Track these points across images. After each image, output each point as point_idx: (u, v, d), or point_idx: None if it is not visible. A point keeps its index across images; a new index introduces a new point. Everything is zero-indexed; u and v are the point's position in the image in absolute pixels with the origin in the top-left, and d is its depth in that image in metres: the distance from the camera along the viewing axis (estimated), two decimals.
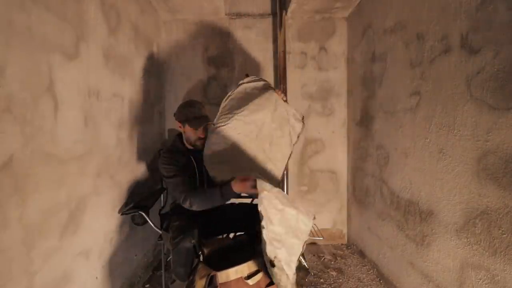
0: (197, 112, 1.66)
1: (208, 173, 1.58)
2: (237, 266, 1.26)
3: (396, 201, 1.86)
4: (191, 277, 1.32)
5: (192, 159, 1.67)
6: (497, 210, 1.10)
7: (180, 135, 1.77)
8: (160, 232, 1.73)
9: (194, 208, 1.50)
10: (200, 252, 1.44)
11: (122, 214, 1.75)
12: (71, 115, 1.33)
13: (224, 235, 1.77)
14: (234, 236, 1.74)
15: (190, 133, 1.66)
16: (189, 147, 1.72)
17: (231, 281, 1.24)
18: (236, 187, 1.44)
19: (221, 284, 1.24)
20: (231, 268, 1.25)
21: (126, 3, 1.92)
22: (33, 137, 1.09)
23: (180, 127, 1.70)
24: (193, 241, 1.39)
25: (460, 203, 1.30)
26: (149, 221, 1.74)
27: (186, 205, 1.50)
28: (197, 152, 1.65)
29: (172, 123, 2.76)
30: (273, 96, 1.61)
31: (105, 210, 1.65)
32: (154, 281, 2.11)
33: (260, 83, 1.63)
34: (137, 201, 1.81)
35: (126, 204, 1.83)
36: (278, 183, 1.59)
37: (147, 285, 2.06)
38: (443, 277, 1.42)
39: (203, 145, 1.57)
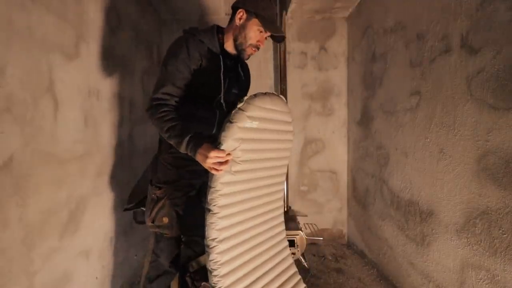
0: (274, 15, 1.30)
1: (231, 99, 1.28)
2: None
3: (396, 201, 1.86)
4: None
5: (222, 65, 1.27)
6: (498, 210, 1.10)
7: (219, 29, 1.33)
8: None
9: (151, 122, 1.19)
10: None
11: (125, 210, 1.74)
12: (71, 115, 1.33)
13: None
14: None
15: (251, 33, 1.25)
16: (229, 50, 1.32)
17: None
18: (200, 154, 1.06)
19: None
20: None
21: (126, 3, 1.92)
22: (33, 137, 1.09)
23: (240, 18, 1.26)
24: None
25: (461, 203, 1.30)
26: None
27: (148, 113, 1.18)
28: (235, 60, 1.35)
29: None
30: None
31: (105, 210, 1.65)
32: None
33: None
34: (141, 198, 1.80)
35: (129, 201, 1.83)
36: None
37: None
38: (443, 277, 1.42)
39: (248, 56, 1.31)
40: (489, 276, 1.15)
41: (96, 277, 1.55)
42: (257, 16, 1.24)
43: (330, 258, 2.47)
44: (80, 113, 1.40)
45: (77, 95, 1.38)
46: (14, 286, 1.00)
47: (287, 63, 2.62)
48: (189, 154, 1.10)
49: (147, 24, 2.32)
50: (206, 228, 1.09)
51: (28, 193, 1.07)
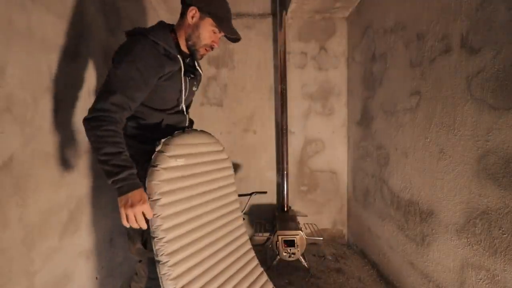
0: (229, 14, 1.23)
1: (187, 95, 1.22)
2: None
3: (396, 201, 1.86)
4: None
5: (182, 66, 1.18)
6: (498, 210, 1.10)
7: (173, 29, 1.22)
8: None
9: (87, 133, 1.00)
10: None
11: None
12: (71, 115, 1.33)
13: None
14: None
15: (205, 33, 1.18)
16: (183, 48, 1.23)
17: None
18: (137, 196, 1.00)
19: None
20: None
21: (126, 2, 1.92)
22: (33, 137, 1.09)
23: (192, 16, 1.17)
24: None
25: (461, 203, 1.30)
26: None
27: (88, 125, 0.98)
28: (191, 57, 1.27)
29: None
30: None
31: (105, 210, 1.65)
32: None
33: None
34: None
35: None
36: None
37: None
38: (443, 277, 1.42)
39: (201, 56, 1.25)
40: (489, 276, 1.15)
41: (96, 277, 1.54)
42: (211, 16, 1.17)
43: (330, 258, 2.47)
44: (80, 113, 1.40)
45: (77, 95, 1.38)
46: (14, 286, 1.00)
47: (287, 63, 2.63)
48: (119, 186, 0.99)
49: (147, 24, 2.32)
50: (160, 280, 1.02)
51: (28, 193, 1.07)
